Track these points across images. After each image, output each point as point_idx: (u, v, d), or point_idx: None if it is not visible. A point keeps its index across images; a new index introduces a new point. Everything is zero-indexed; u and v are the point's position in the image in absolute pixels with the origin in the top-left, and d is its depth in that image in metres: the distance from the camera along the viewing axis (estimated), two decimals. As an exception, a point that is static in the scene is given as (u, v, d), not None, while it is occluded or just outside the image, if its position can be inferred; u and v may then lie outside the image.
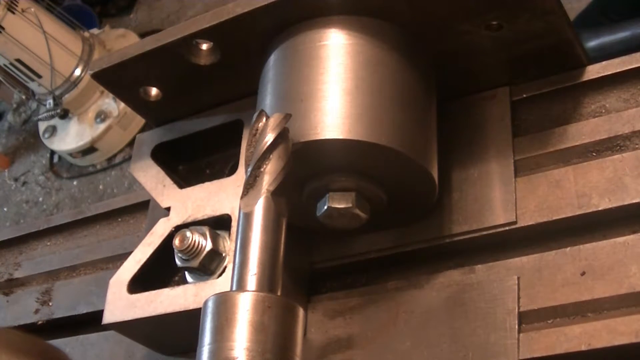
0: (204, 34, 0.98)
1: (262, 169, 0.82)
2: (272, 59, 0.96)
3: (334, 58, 0.90)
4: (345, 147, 0.87)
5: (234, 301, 0.76)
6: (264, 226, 0.81)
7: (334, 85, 0.89)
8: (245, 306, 0.75)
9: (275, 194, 0.82)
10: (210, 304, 0.78)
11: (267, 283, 0.79)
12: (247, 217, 0.81)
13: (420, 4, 0.89)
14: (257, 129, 0.84)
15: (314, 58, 0.91)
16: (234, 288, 0.79)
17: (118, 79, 1.06)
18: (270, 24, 0.95)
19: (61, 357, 0.95)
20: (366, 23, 0.91)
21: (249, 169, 0.82)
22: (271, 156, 0.82)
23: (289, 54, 0.93)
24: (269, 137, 0.82)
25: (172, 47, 0.99)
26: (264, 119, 0.84)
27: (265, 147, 0.82)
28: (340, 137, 0.86)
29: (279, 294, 0.79)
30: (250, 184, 0.82)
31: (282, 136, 0.83)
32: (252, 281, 0.78)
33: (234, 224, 0.98)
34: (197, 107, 1.11)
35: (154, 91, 1.08)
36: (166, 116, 1.13)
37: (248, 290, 0.77)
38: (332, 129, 0.86)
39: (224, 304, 0.76)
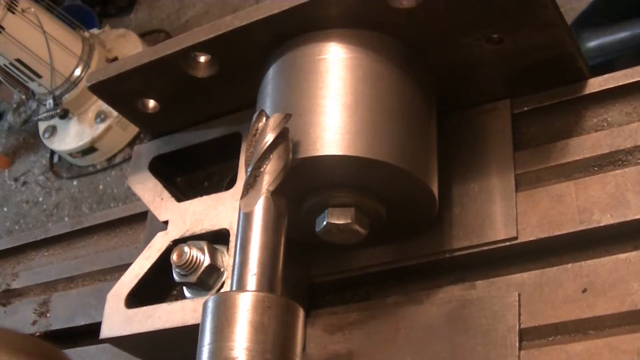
0: (202, 47, 0.97)
1: (262, 169, 0.82)
2: (271, 72, 0.95)
3: (333, 72, 0.89)
4: (345, 163, 0.86)
5: (234, 301, 0.76)
6: (264, 226, 0.80)
7: (333, 99, 0.88)
8: (245, 306, 0.75)
9: (275, 194, 0.81)
10: (210, 304, 0.78)
11: (267, 283, 0.79)
12: (247, 217, 0.81)
13: (421, 18, 0.88)
14: (257, 129, 0.84)
15: (313, 72, 0.90)
16: (233, 288, 0.79)
17: (115, 91, 1.05)
18: (268, 37, 0.94)
19: (62, 358, 0.94)
20: (366, 37, 0.90)
21: (249, 169, 0.82)
22: (271, 156, 0.82)
23: (288, 67, 0.92)
24: (269, 137, 0.81)
25: (170, 59, 0.98)
26: (264, 119, 0.84)
27: (265, 147, 0.81)
28: (340, 153, 0.85)
29: (279, 294, 0.79)
30: (250, 184, 0.82)
31: (282, 136, 0.82)
32: (252, 281, 0.78)
33: (232, 238, 0.98)
34: (195, 119, 1.10)
35: (151, 103, 1.07)
36: (164, 128, 1.12)
37: (248, 290, 0.77)
38: (331, 145, 0.85)
39: (224, 303, 0.76)
